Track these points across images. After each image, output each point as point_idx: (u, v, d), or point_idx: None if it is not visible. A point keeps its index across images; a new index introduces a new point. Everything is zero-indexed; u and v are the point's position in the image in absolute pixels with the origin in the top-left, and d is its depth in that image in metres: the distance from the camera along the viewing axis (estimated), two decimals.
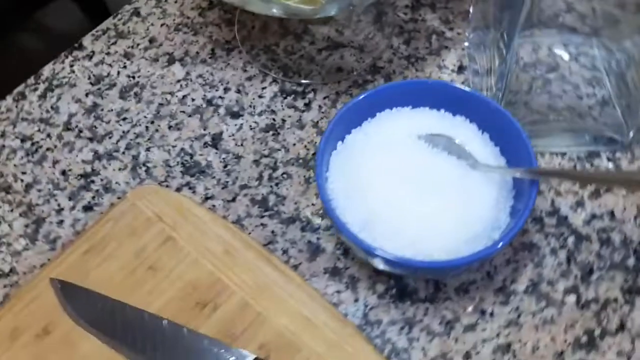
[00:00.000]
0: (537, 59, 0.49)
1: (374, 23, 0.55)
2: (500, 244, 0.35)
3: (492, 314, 0.41)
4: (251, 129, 0.50)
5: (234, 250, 0.42)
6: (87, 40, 0.56)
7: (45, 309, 0.41)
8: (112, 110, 0.52)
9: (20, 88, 0.53)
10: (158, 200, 0.45)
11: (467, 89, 0.41)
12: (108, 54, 0.55)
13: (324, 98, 0.51)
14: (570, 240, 0.43)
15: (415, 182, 0.38)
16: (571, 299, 0.41)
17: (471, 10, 0.50)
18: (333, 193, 0.38)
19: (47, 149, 0.50)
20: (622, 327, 0.40)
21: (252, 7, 0.43)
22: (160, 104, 0.52)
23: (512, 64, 0.44)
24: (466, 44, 0.52)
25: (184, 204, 0.45)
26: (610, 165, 0.46)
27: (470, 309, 0.41)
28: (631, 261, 0.42)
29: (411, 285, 0.42)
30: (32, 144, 0.50)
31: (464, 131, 0.40)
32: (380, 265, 0.37)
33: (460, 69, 0.52)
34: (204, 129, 0.50)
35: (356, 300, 0.42)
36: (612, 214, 0.44)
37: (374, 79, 0.51)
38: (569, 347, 0.39)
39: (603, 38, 0.48)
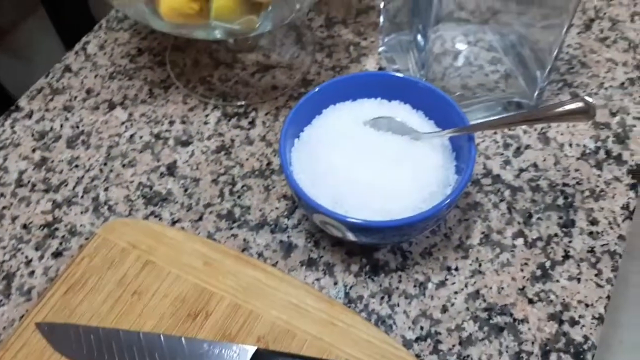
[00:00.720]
0: (445, 49, 0.55)
1: (295, 44, 0.60)
2: (453, 196, 0.39)
3: (456, 269, 0.45)
4: (203, 153, 0.53)
5: (213, 261, 0.45)
6: (23, 101, 0.57)
7: (36, 355, 0.41)
8: (62, 160, 0.53)
9: None
10: (129, 230, 0.46)
11: (398, 74, 0.46)
12: (47, 110, 0.56)
13: (266, 114, 0.55)
14: (507, 193, 0.49)
15: (370, 159, 0.42)
16: (519, 241, 0.46)
17: (381, 20, 0.57)
18: (301, 182, 0.41)
19: (3, 207, 0.50)
20: (567, 255, 0.46)
21: (197, 35, 0.47)
22: (110, 146, 0.53)
23: (428, 56, 0.50)
24: (381, 49, 0.58)
25: (155, 229, 0.47)
26: (523, 127, 0.53)
27: (437, 268, 0.45)
28: (560, 200, 0.48)
29: (382, 259, 0.46)
30: None
31: (401, 112, 0.45)
32: (353, 235, 0.40)
33: (381, 70, 0.57)
34: (158, 161, 0.52)
35: (335, 284, 0.45)
36: (535, 165, 0.50)
37: (306, 90, 0.56)
38: (527, 282, 0.44)
39: (492, 25, 0.56)
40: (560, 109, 0.37)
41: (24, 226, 0.49)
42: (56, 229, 0.49)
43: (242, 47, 0.58)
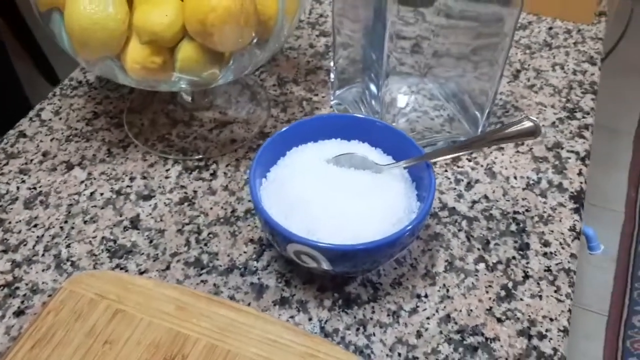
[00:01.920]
0: (392, 98, 0.60)
1: (250, 101, 0.62)
2: (421, 215, 0.42)
3: (426, 296, 0.47)
4: (166, 205, 0.53)
5: (185, 305, 0.44)
6: None
7: None
8: (20, 221, 0.52)
9: None
10: (95, 282, 0.45)
11: (358, 115, 0.49)
12: (2, 174, 0.55)
13: (226, 166, 0.56)
14: (464, 223, 0.52)
15: (337, 191, 0.44)
16: (481, 266, 0.49)
17: (331, 77, 0.61)
18: (273, 216, 0.42)
19: None
20: (526, 275, 0.48)
21: (161, 88, 0.49)
22: (70, 204, 0.53)
23: (380, 103, 0.54)
24: (333, 102, 0.62)
25: (123, 278, 0.46)
26: (470, 163, 0.57)
27: (407, 297, 0.47)
28: (513, 226, 0.51)
29: (353, 292, 0.47)
30: None
31: (361, 149, 0.48)
32: (327, 263, 0.41)
33: None
34: (120, 216, 0.52)
35: (310, 319, 0.45)
36: (486, 197, 0.54)
37: (264, 142, 0.58)
38: (494, 303, 0.46)
39: (431, 77, 0.61)
40: (512, 130, 0.41)
41: None
42: (17, 287, 0.47)
43: (198, 106, 0.61)
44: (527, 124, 0.40)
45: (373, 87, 0.54)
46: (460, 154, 0.56)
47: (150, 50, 0.47)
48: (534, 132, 0.40)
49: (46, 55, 1.81)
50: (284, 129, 0.48)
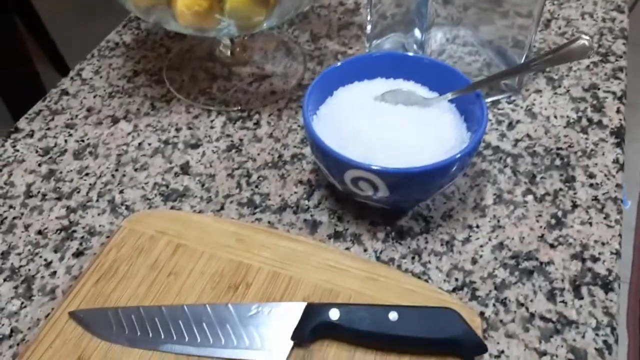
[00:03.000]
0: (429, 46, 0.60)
1: (286, 56, 0.63)
2: (476, 139, 0.42)
3: (477, 226, 0.47)
4: (214, 152, 0.54)
5: (245, 237, 0.45)
6: (22, 123, 0.57)
7: (74, 341, 0.39)
8: (71, 170, 0.52)
9: None
10: (154, 220, 0.46)
11: (400, 53, 0.50)
12: (49, 129, 0.56)
13: (269, 115, 0.57)
14: (509, 160, 0.52)
15: (389, 123, 0.45)
16: (529, 198, 0.49)
17: (368, 28, 0.61)
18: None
19: (14, 218, 0.49)
20: (575, 205, 0.49)
21: (210, 34, 0.49)
22: (119, 154, 0.54)
23: (425, 50, 0.55)
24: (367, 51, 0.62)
25: (181, 216, 0.47)
26: (510, 105, 0.57)
27: (459, 228, 0.47)
28: (557, 161, 0.52)
29: (405, 225, 0.48)
30: None
31: (406, 86, 0.49)
32: (385, 189, 0.42)
33: None
34: (170, 163, 0.53)
35: (365, 250, 0.46)
36: (528, 136, 0.54)
37: (303, 93, 0.59)
38: (545, 230, 0.47)
39: (462, 26, 0.62)
40: (564, 50, 0.41)
41: (39, 232, 0.48)
42: (74, 231, 0.48)
43: (237, 61, 0.61)
44: (580, 42, 0.41)
45: (418, 34, 0.55)
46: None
47: None
48: (586, 51, 0.41)
49: (58, 49, 1.82)
50: (330, 67, 0.49)
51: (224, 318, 0.40)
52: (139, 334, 0.39)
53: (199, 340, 0.39)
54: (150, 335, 0.39)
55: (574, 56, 0.41)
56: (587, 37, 0.41)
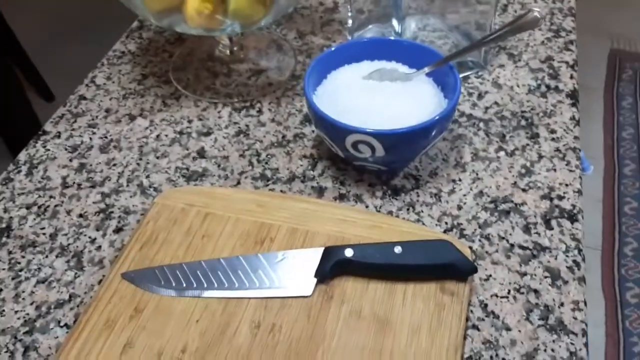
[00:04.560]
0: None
1: (278, 52, 0.71)
2: (451, 105, 0.50)
3: (460, 180, 0.55)
4: (225, 138, 0.61)
5: (264, 203, 0.52)
6: (48, 126, 0.63)
7: (128, 297, 0.46)
8: (99, 163, 0.59)
9: (3, 175, 0.58)
10: (183, 195, 0.53)
11: (382, 37, 0.58)
12: (73, 129, 0.63)
13: (269, 103, 0.64)
14: (481, 124, 0.61)
15: (379, 96, 0.53)
16: (501, 154, 0.58)
17: (349, 23, 0.70)
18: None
19: (56, 206, 0.55)
20: (540, 156, 0.57)
21: (215, 33, 0.57)
22: (140, 146, 0.60)
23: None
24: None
25: (205, 190, 0.54)
26: (478, 79, 0.66)
27: (444, 182, 0.55)
28: (523, 122, 0.61)
29: (398, 184, 0.55)
30: (39, 207, 0.55)
31: (389, 65, 0.57)
32: (382, 148, 0.49)
33: None
34: (187, 149, 0.60)
35: (367, 207, 0.54)
36: (496, 103, 0.63)
37: (297, 82, 0.67)
38: (517, 178, 0.55)
39: (430, 14, 0.70)
40: (519, 22, 0.50)
41: (80, 215, 0.54)
42: (111, 212, 0.54)
43: (234, 59, 0.69)
44: (531, 15, 0.49)
45: (395, 24, 0.63)
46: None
47: None
48: (536, 22, 0.49)
49: (40, 74, 1.87)
50: (325, 52, 0.56)
51: (256, 265, 0.47)
52: (184, 284, 0.46)
53: (236, 285, 0.46)
54: (194, 284, 0.46)
55: (527, 26, 0.50)
56: (538, 9, 0.49)
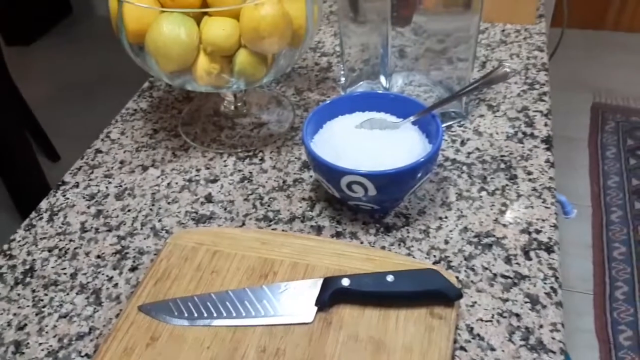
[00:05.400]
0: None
1: (278, 106, 0.77)
2: (434, 148, 0.56)
3: (446, 217, 0.61)
4: (230, 184, 0.66)
5: (268, 241, 0.57)
6: (67, 177, 0.69)
7: (145, 327, 0.50)
8: (115, 209, 0.64)
9: (26, 222, 0.63)
10: (192, 235, 0.58)
11: (378, 91, 0.64)
12: (90, 179, 0.68)
13: (270, 152, 0.70)
14: (464, 168, 0.66)
15: (370, 142, 0.59)
16: (484, 193, 0.63)
17: (342, 80, 0.76)
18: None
19: (75, 248, 0.60)
20: (519, 195, 0.62)
21: (222, 91, 0.63)
22: (153, 193, 0.66)
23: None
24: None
25: (213, 231, 0.59)
26: (460, 128, 0.72)
27: (432, 219, 0.60)
28: (502, 165, 0.66)
29: (390, 222, 0.60)
30: (60, 250, 0.60)
31: (379, 115, 0.63)
32: (373, 188, 0.54)
33: None
34: (196, 195, 0.65)
35: (362, 243, 0.59)
36: (478, 149, 0.69)
37: (296, 133, 0.73)
38: (498, 215, 0.60)
39: (416, 71, 0.77)
40: (491, 75, 0.56)
41: (98, 256, 0.59)
42: (127, 253, 0.59)
43: (238, 114, 0.75)
44: (502, 70, 0.56)
45: (383, 80, 0.70)
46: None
47: (211, 59, 0.61)
48: (506, 75, 0.56)
49: (48, 137, 1.94)
50: (321, 104, 0.63)
51: (261, 296, 0.51)
52: (195, 314, 0.50)
53: (243, 314, 0.50)
54: (205, 314, 0.50)
55: (498, 79, 0.57)
56: (508, 65, 0.56)
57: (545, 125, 0.72)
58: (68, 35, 2.73)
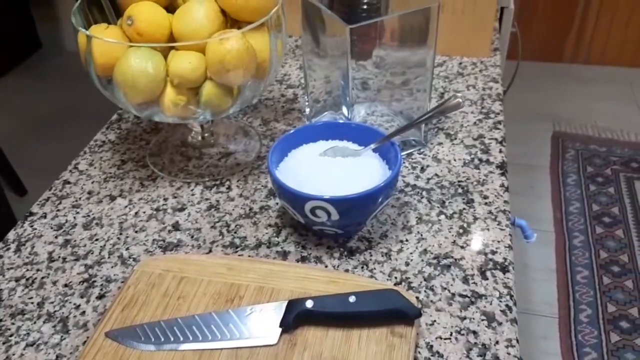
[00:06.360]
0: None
1: (245, 136, 0.80)
2: (393, 174, 0.59)
3: (407, 240, 0.63)
4: (197, 212, 0.68)
5: (234, 266, 0.58)
6: (35, 208, 0.69)
7: (111, 353, 0.51)
8: (83, 238, 0.65)
9: None
10: (159, 263, 0.59)
11: (340, 121, 0.67)
12: (58, 210, 0.69)
13: (237, 181, 0.72)
14: (424, 193, 0.69)
15: (333, 170, 0.61)
16: (442, 217, 0.66)
17: (307, 110, 0.79)
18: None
19: (42, 278, 0.60)
20: (475, 218, 0.65)
21: (189, 121, 0.65)
22: (120, 222, 0.67)
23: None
24: None
25: (180, 258, 0.60)
26: (420, 155, 0.75)
27: (393, 243, 0.63)
28: (460, 190, 0.69)
29: (353, 246, 0.62)
30: (27, 279, 0.60)
31: (342, 143, 0.66)
32: (336, 212, 0.57)
33: None
34: (163, 224, 0.66)
35: (326, 266, 0.60)
36: (437, 175, 0.72)
37: (262, 162, 0.75)
38: (456, 237, 0.63)
39: (378, 102, 0.81)
40: (444, 105, 0.59)
41: (66, 285, 0.59)
42: (94, 281, 0.60)
43: (205, 144, 0.77)
44: (454, 100, 0.59)
45: (345, 111, 0.73)
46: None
47: (178, 91, 0.64)
48: (459, 105, 0.59)
49: (15, 171, 1.93)
50: (286, 134, 0.65)
51: (227, 320, 0.52)
52: (162, 339, 0.51)
53: (209, 337, 0.51)
54: (172, 339, 0.51)
55: (451, 109, 0.60)
56: (460, 96, 0.59)
57: (500, 152, 0.75)
58: (37, 70, 2.73)
